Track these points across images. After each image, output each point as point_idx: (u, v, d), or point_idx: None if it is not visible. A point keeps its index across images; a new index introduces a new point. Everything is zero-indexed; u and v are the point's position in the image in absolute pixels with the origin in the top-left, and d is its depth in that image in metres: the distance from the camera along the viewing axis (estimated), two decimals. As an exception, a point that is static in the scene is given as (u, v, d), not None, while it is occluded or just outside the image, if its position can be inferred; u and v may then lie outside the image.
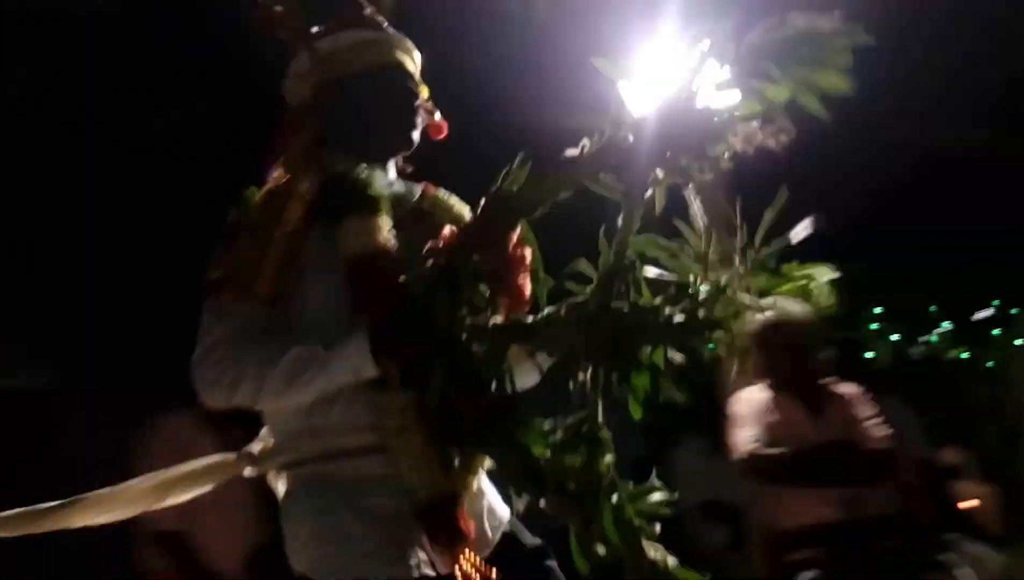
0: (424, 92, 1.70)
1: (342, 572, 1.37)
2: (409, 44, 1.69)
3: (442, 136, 1.72)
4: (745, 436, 3.03)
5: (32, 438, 4.81)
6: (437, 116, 1.71)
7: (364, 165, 1.54)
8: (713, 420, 3.47)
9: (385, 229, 1.46)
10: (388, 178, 1.64)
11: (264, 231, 1.44)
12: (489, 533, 1.53)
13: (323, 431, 1.44)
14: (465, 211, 1.66)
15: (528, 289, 1.51)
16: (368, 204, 1.47)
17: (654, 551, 1.44)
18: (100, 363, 4.40)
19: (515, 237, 1.49)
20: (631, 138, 1.43)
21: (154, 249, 4.25)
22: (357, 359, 1.36)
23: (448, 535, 1.38)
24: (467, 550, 1.40)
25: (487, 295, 1.44)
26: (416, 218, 1.60)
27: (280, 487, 1.53)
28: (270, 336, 1.42)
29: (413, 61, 1.69)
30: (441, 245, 1.46)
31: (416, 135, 1.67)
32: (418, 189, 1.70)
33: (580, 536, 1.41)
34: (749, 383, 3.13)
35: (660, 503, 1.46)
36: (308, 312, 1.45)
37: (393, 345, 1.37)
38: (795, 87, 1.40)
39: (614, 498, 1.41)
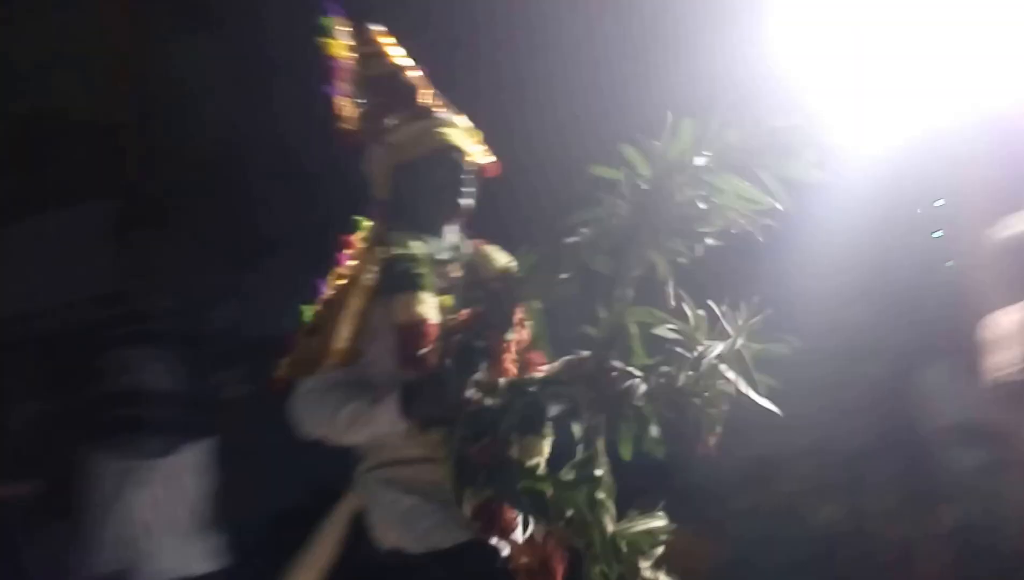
0: (474, 145, 2.10)
1: (418, 542, 1.79)
2: (456, 119, 2.09)
3: (496, 174, 2.13)
4: (1004, 359, 2.79)
5: None
6: (491, 159, 2.12)
7: (413, 244, 1.94)
8: (965, 341, 3.28)
9: (426, 301, 1.87)
10: (438, 246, 2.02)
11: (341, 307, 1.92)
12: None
13: (392, 445, 1.88)
14: (504, 261, 2.04)
15: (513, 369, 1.89)
16: (412, 283, 1.88)
17: (651, 574, 1.74)
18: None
19: (518, 316, 1.90)
20: (621, 223, 1.76)
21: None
22: (391, 416, 1.80)
23: (494, 529, 1.78)
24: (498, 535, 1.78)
25: (486, 368, 1.82)
26: (467, 273, 2.03)
27: (362, 489, 1.94)
28: (344, 389, 1.87)
29: (461, 132, 2.08)
30: (458, 323, 1.85)
31: (464, 202, 2.06)
32: (470, 246, 2.09)
33: (585, 559, 1.73)
34: (1006, 303, 2.89)
35: (655, 531, 1.77)
36: (375, 367, 1.90)
37: (417, 406, 1.78)
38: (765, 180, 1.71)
39: (608, 527, 1.72)
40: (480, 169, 2.10)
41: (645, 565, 1.74)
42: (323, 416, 1.86)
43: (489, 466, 1.73)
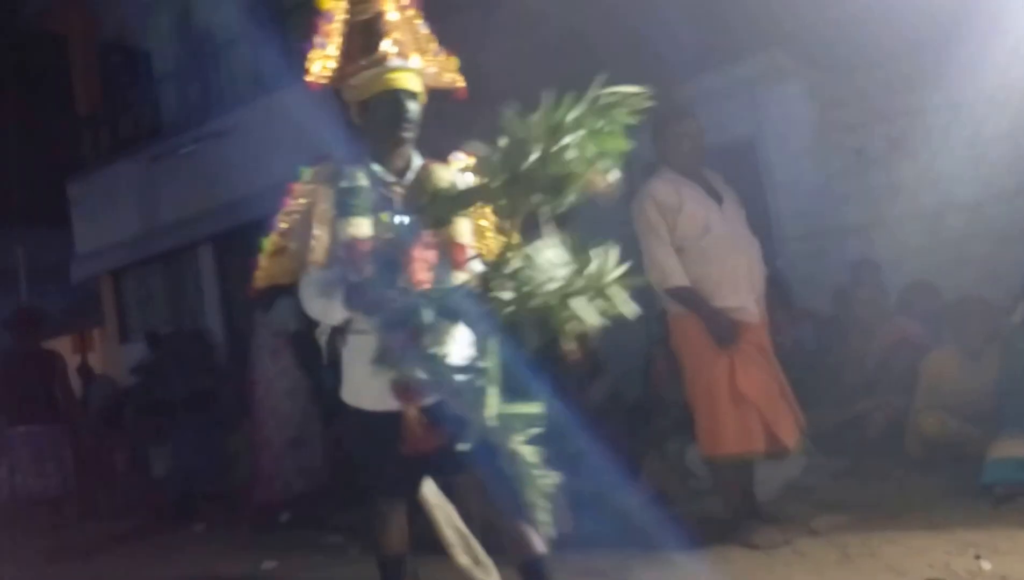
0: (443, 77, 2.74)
1: (356, 399, 2.68)
2: (407, 65, 2.61)
3: (464, 97, 2.75)
4: None
5: None
6: (460, 85, 2.74)
7: (359, 175, 2.55)
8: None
9: (360, 223, 2.48)
10: (384, 170, 2.62)
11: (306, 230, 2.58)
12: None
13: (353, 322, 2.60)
14: (448, 178, 2.63)
15: (422, 276, 2.37)
16: (348, 210, 2.50)
17: (521, 448, 2.32)
18: None
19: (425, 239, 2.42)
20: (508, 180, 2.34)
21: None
22: (339, 309, 2.52)
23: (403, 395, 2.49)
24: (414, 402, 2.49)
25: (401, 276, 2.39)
26: (412, 189, 2.62)
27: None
28: (318, 286, 2.54)
29: (412, 75, 2.62)
30: (381, 242, 2.46)
31: (406, 134, 2.63)
32: (419, 164, 2.67)
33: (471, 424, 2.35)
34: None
35: (528, 414, 2.32)
36: (341, 269, 2.52)
37: (353, 303, 2.46)
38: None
39: (490, 407, 2.28)
40: (451, 93, 2.72)
41: (517, 439, 2.31)
42: (309, 307, 2.61)
43: (403, 350, 2.36)
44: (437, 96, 2.78)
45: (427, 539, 3.36)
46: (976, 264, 5.14)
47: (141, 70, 11.81)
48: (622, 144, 2.33)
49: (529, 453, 2.33)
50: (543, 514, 2.36)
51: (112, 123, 11.41)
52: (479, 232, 2.74)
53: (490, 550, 3.37)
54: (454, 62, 2.75)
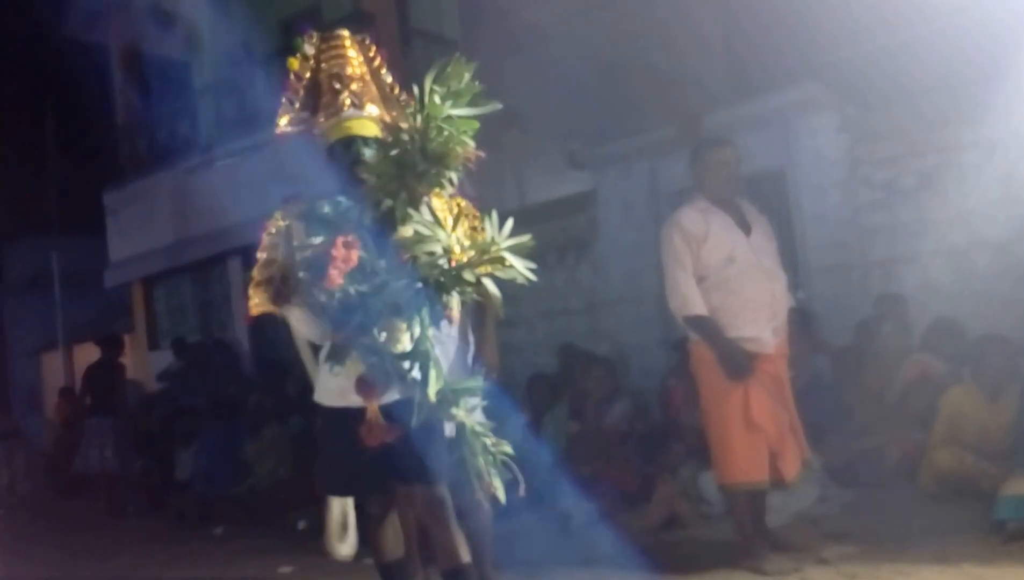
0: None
1: (321, 397, 2.90)
2: (361, 114, 2.93)
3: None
4: None
5: None
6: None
7: (323, 206, 2.83)
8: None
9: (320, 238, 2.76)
10: (342, 202, 2.85)
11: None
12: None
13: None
14: None
15: (337, 275, 2.65)
16: (310, 231, 2.80)
17: (464, 416, 2.60)
18: None
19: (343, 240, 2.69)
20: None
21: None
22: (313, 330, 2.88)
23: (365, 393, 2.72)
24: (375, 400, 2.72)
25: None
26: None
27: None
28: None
29: (367, 121, 2.94)
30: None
31: (363, 173, 2.86)
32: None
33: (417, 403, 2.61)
34: None
35: (469, 387, 2.65)
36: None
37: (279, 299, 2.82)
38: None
39: (432, 385, 2.58)
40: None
41: (460, 411, 2.61)
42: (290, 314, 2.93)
43: (346, 345, 2.69)
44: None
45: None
46: (1002, 303, 5.10)
47: (180, 82, 12.11)
48: (473, 123, 2.74)
49: (477, 424, 2.57)
50: (494, 479, 2.57)
51: (150, 134, 11.67)
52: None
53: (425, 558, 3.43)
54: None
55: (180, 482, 7.64)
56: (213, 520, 6.64)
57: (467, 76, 2.73)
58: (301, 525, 5.77)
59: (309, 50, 3.04)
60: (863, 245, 6.09)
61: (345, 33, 3.08)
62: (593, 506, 4.84)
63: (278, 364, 8.43)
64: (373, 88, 3.04)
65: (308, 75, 3.03)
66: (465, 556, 2.83)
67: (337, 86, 2.97)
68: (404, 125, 2.94)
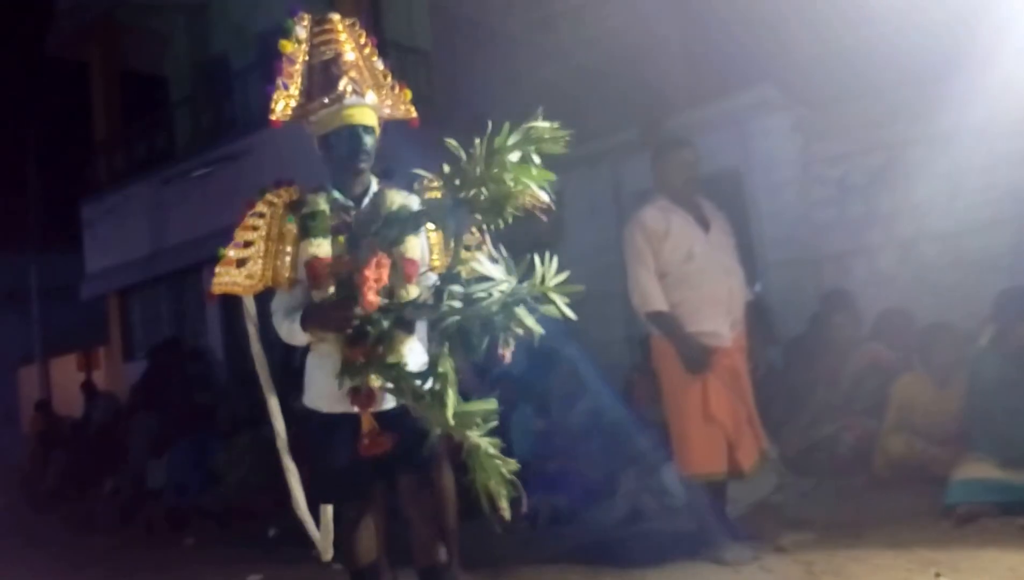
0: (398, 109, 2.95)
1: (316, 403, 2.85)
2: (362, 102, 2.81)
3: (416, 126, 2.93)
4: None
5: None
6: (412, 116, 2.96)
7: (319, 201, 2.80)
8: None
9: (320, 244, 2.75)
10: (343, 197, 2.85)
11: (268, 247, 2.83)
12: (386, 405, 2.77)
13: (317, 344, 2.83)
14: (400, 199, 2.84)
15: (374, 298, 2.58)
16: (308, 232, 2.77)
17: (475, 438, 2.48)
18: None
19: (376, 260, 2.60)
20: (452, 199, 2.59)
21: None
22: (301, 332, 2.76)
23: (361, 400, 2.72)
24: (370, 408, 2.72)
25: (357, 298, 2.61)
26: (367, 212, 2.84)
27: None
28: (284, 311, 2.81)
29: (366, 110, 2.82)
30: (339, 265, 2.72)
31: (362, 165, 2.84)
32: (376, 189, 2.88)
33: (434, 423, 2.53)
34: None
35: (483, 410, 2.50)
36: (307, 289, 2.81)
37: (311, 325, 2.74)
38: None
39: (448, 405, 2.46)
40: (408, 122, 2.94)
41: (475, 434, 2.48)
42: (278, 331, 2.82)
43: (365, 362, 2.67)
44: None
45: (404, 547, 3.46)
46: (948, 292, 5.25)
47: (157, 96, 12.12)
48: (549, 174, 2.55)
49: (489, 445, 2.50)
50: (503, 500, 2.51)
51: (127, 147, 11.68)
52: (432, 248, 2.90)
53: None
54: (407, 94, 2.96)
55: (151, 492, 7.64)
56: (184, 530, 6.66)
57: (552, 135, 2.55)
58: (272, 533, 5.80)
59: (301, 33, 2.88)
60: (816, 240, 6.25)
61: (336, 17, 2.94)
62: (559, 502, 4.94)
63: (251, 372, 8.47)
64: (367, 74, 2.91)
65: (301, 59, 2.87)
66: (444, 556, 2.90)
67: (335, 71, 2.83)
68: (399, 110, 2.90)
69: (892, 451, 4.43)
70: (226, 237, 2.84)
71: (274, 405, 2.99)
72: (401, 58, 8.55)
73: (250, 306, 2.89)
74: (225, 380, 9.69)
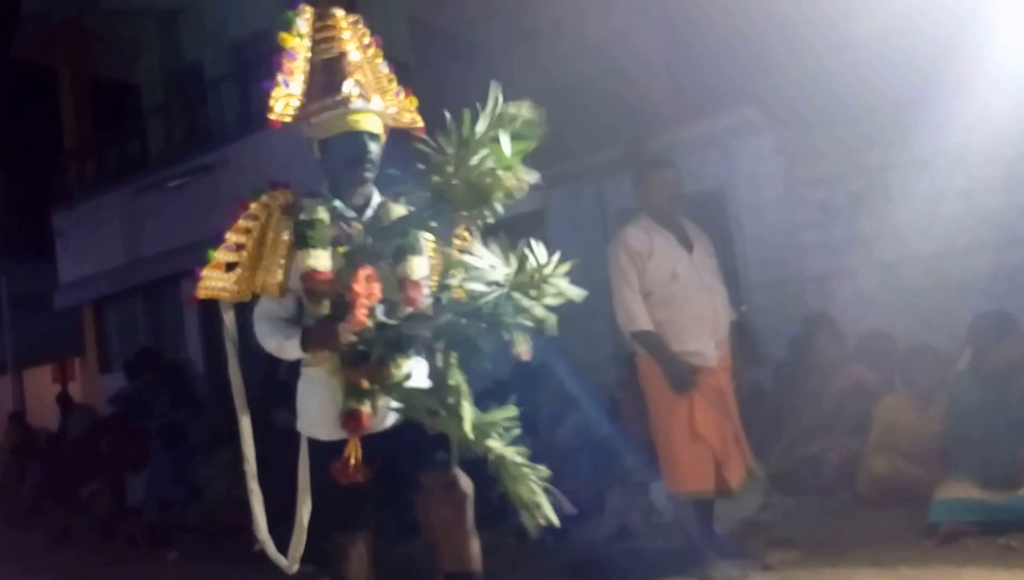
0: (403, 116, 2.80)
1: (311, 430, 2.71)
2: (368, 107, 2.64)
3: (422, 134, 2.64)
4: None
5: None
6: (418, 124, 2.78)
7: (319, 209, 2.60)
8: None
9: (318, 255, 2.54)
10: (343, 206, 2.66)
11: (259, 253, 2.64)
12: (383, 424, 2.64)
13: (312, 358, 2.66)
14: (400, 212, 2.66)
15: (363, 314, 2.41)
16: (307, 242, 2.55)
17: (499, 447, 2.39)
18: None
19: (364, 274, 2.43)
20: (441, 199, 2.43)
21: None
22: (296, 349, 2.60)
23: (351, 427, 2.55)
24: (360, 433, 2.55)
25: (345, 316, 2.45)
26: (369, 225, 2.68)
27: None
28: (272, 322, 2.64)
29: (372, 117, 2.66)
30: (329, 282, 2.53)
31: (366, 174, 2.67)
32: (378, 201, 2.73)
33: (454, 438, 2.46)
34: None
35: (503, 419, 2.41)
36: (300, 298, 2.64)
37: (310, 345, 2.57)
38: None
39: (465, 418, 2.37)
40: (412, 131, 2.75)
41: (496, 443, 2.38)
42: (264, 342, 2.63)
43: (370, 382, 2.48)
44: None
45: (397, 568, 3.45)
46: (929, 314, 5.36)
47: (130, 104, 12.02)
48: (527, 144, 2.40)
49: (514, 454, 2.38)
50: (541, 506, 2.41)
51: (99, 156, 11.58)
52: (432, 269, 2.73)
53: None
54: (413, 102, 2.80)
55: (132, 507, 7.57)
56: (166, 545, 6.61)
57: (526, 114, 2.42)
58: (256, 548, 5.76)
59: (303, 27, 2.67)
60: (799, 261, 6.36)
61: (340, 12, 2.73)
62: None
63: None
64: (371, 77, 2.73)
65: (303, 55, 2.66)
66: (478, 563, 2.67)
67: (338, 72, 2.63)
68: (404, 117, 2.75)
69: (875, 471, 4.51)
70: (203, 248, 2.66)
71: (246, 427, 2.80)
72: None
73: (230, 323, 2.71)
74: (205, 393, 9.63)
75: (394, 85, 2.79)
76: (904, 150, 5.81)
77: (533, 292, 2.35)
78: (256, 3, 9.29)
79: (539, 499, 2.40)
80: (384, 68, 2.79)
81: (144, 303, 11.09)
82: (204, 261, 2.62)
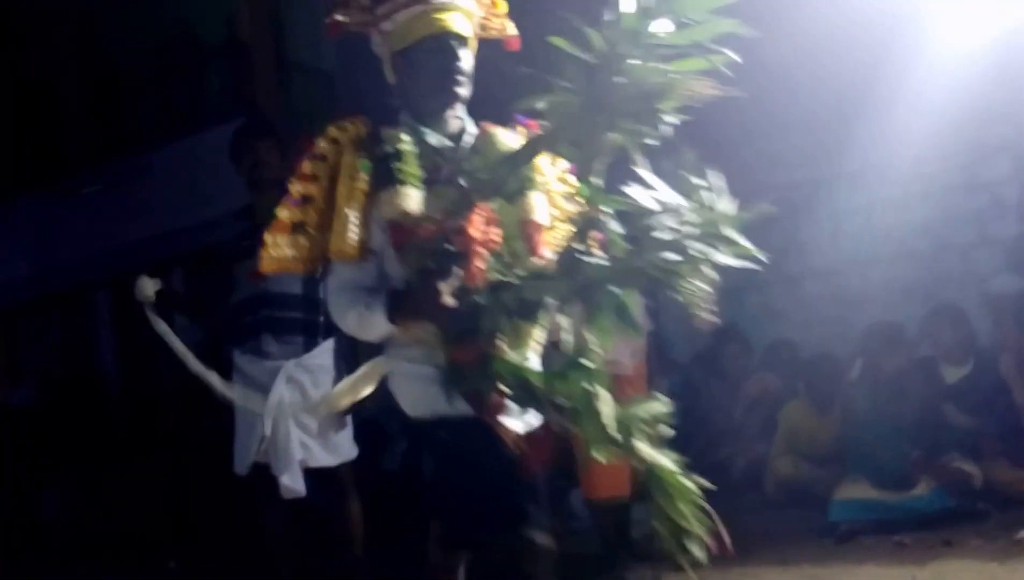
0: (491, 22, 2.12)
1: (425, 407, 1.96)
2: (456, 2, 2.02)
3: (517, 48, 2.13)
4: None
5: None
6: (512, 33, 2.13)
7: (403, 138, 1.97)
8: None
9: (409, 195, 1.91)
10: (434, 135, 2.02)
11: (330, 205, 1.99)
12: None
13: (403, 340, 1.99)
14: (508, 143, 2.03)
15: (482, 266, 1.82)
16: (395, 178, 1.92)
17: (649, 452, 1.81)
18: None
19: (479, 216, 1.84)
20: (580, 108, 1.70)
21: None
22: (382, 322, 1.93)
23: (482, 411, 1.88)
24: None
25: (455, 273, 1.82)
26: (468, 156, 2.03)
27: (388, 359, 2.09)
28: (351, 292, 1.98)
29: (460, 15, 2.03)
30: (429, 229, 1.88)
31: (460, 90, 2.06)
32: (475, 130, 2.09)
33: (587, 440, 1.79)
34: None
35: (654, 415, 1.84)
36: (384, 261, 1.99)
37: (400, 314, 1.91)
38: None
39: (605, 413, 1.75)
40: (504, 42, 2.14)
41: (643, 446, 1.80)
42: (341, 321, 2.03)
43: (474, 365, 1.81)
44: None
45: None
46: (829, 325, 5.67)
47: (44, 108, 11.67)
48: (718, 27, 1.66)
49: (667, 460, 1.84)
50: (699, 528, 1.92)
51: (10, 160, 11.22)
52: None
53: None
54: (502, 5, 2.16)
55: (42, 523, 7.38)
56: (77, 562, 6.46)
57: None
58: (172, 564, 5.71)
59: None
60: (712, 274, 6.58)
61: None
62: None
63: (150, 398, 8.27)
64: None
65: None
66: None
67: None
68: (493, 24, 2.11)
69: (780, 473, 4.74)
70: (121, 259, 2.18)
71: (215, 381, 2.58)
72: (305, 79, 8.55)
73: (163, 327, 2.49)
74: (117, 408, 9.42)
75: None
76: (805, 170, 6.12)
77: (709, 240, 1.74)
78: (177, 5, 9.18)
79: (696, 526, 1.90)
80: None
81: (58, 314, 10.78)
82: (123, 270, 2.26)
